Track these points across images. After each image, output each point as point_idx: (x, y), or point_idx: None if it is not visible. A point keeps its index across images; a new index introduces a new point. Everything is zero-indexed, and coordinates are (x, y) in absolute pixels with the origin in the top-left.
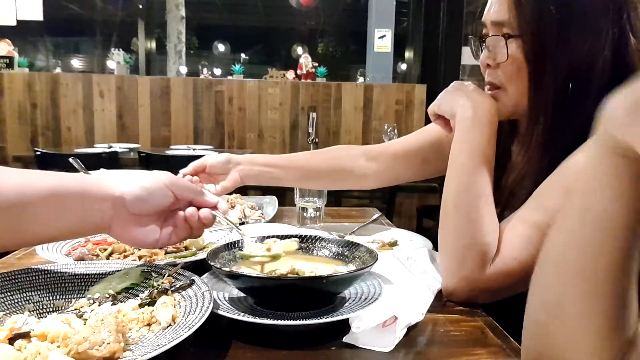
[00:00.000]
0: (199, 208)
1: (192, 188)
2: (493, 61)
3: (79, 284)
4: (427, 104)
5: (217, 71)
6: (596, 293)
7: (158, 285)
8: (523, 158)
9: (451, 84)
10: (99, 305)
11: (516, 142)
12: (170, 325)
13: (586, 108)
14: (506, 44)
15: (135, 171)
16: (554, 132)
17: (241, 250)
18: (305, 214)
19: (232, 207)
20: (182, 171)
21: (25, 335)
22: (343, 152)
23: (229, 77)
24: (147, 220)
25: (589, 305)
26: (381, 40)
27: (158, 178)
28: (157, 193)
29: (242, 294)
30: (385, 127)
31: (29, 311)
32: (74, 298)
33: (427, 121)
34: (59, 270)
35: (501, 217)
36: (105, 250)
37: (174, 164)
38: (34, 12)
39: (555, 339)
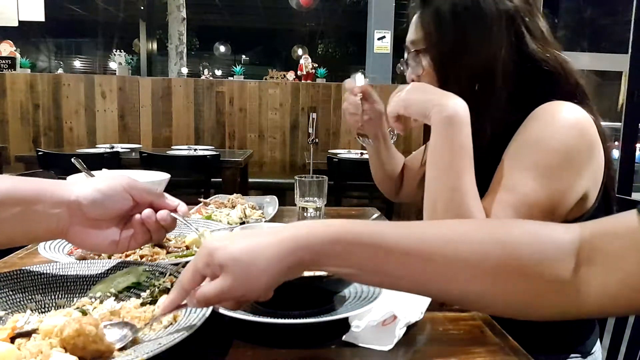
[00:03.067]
0: (158, 211)
1: (151, 191)
2: (415, 76)
3: (81, 283)
4: None
5: (218, 72)
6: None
7: (159, 284)
8: None
9: (409, 85)
10: (101, 303)
11: None
12: (171, 324)
13: (494, 104)
14: (419, 58)
15: (97, 176)
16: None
17: None
18: (305, 214)
19: (233, 206)
20: (353, 91)
21: (28, 335)
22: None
23: (230, 78)
24: (106, 225)
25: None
26: (381, 41)
27: (116, 181)
28: (114, 196)
29: None
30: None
31: (31, 310)
32: (76, 297)
33: None
34: (60, 270)
35: None
36: None
37: (175, 164)
38: (36, 13)
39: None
